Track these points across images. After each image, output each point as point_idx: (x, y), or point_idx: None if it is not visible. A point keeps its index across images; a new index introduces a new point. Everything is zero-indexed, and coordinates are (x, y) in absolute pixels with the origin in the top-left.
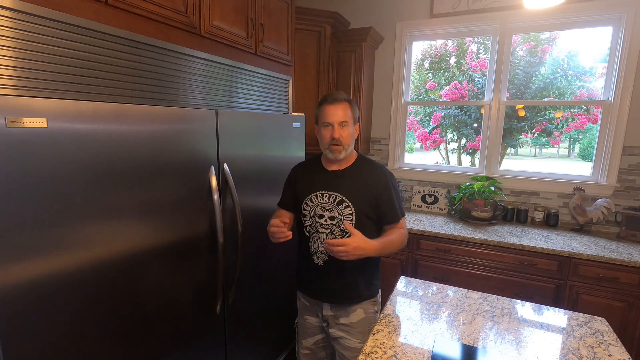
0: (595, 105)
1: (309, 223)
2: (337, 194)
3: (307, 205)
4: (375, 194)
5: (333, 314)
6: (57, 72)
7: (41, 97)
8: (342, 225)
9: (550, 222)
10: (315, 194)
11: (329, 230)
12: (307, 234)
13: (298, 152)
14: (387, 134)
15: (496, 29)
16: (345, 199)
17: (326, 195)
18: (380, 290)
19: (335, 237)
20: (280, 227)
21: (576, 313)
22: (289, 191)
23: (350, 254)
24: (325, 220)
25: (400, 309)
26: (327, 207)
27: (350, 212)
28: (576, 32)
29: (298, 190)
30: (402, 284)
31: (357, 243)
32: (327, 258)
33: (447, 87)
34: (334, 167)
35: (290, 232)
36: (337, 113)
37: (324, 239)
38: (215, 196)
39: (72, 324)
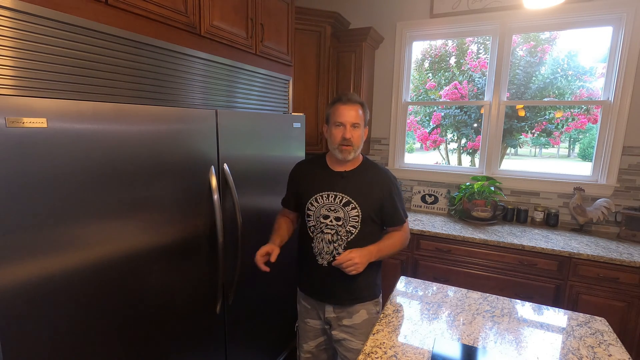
0: (595, 105)
1: (313, 223)
2: (343, 195)
3: (312, 205)
4: (380, 197)
5: (336, 316)
6: (57, 72)
7: (41, 97)
8: (348, 227)
9: (550, 222)
10: (320, 194)
11: (334, 231)
12: (310, 234)
13: (298, 152)
14: (387, 134)
15: (496, 29)
16: (352, 201)
17: (332, 196)
18: (381, 290)
19: (340, 238)
20: (263, 259)
21: (576, 313)
22: (292, 190)
23: (359, 264)
24: (331, 221)
25: (400, 309)
26: (332, 208)
27: (357, 213)
28: (576, 32)
29: (302, 190)
30: (402, 284)
31: (359, 252)
32: (331, 259)
33: (447, 87)
34: (339, 168)
35: (267, 268)
36: (351, 114)
37: (329, 240)
38: (215, 196)
39: (72, 323)
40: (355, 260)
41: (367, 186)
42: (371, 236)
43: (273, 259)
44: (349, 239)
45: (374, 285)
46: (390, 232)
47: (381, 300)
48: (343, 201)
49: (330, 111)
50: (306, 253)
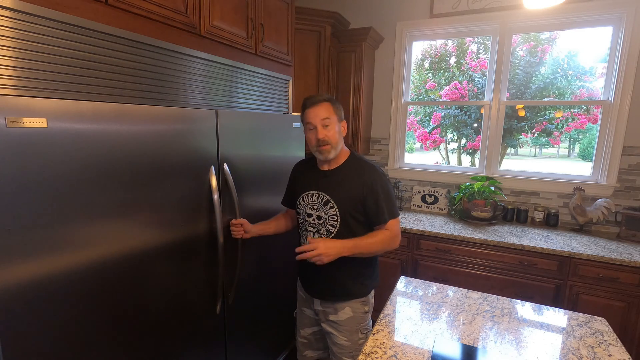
0: (595, 105)
1: (301, 221)
2: (324, 194)
3: (300, 204)
4: (361, 195)
5: (323, 310)
6: (57, 72)
7: (41, 97)
8: (327, 225)
9: (550, 222)
10: (306, 193)
11: (315, 229)
12: (299, 231)
13: (298, 152)
14: (387, 134)
15: (496, 29)
16: (331, 200)
17: (315, 195)
18: (373, 290)
19: (321, 236)
20: (236, 226)
21: (576, 313)
22: (289, 189)
23: (324, 254)
24: (313, 220)
25: (400, 309)
26: (315, 207)
27: (335, 212)
28: (576, 32)
29: (295, 189)
30: (402, 284)
31: (326, 243)
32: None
33: (447, 87)
34: (324, 167)
35: (242, 232)
36: (318, 113)
37: (312, 237)
38: (215, 196)
39: (71, 324)
40: (319, 251)
41: (347, 184)
42: (353, 235)
43: (247, 235)
44: (328, 237)
45: (361, 285)
46: (375, 230)
47: (371, 300)
48: (323, 200)
49: (302, 117)
50: None
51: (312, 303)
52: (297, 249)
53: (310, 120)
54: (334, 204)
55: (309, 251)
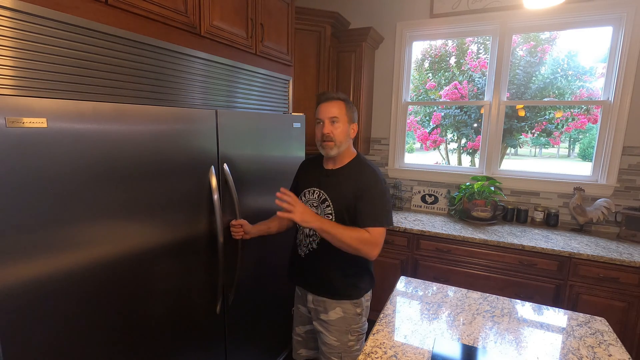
0: (595, 105)
1: None
2: (322, 192)
3: (301, 199)
4: (355, 197)
5: (314, 307)
6: (57, 72)
7: (41, 97)
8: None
9: (550, 222)
10: (308, 189)
11: None
12: (296, 226)
13: (298, 152)
14: (387, 134)
15: (496, 29)
16: (328, 199)
17: (316, 192)
18: (369, 293)
19: (315, 233)
20: (236, 227)
21: (576, 313)
22: (293, 186)
23: (299, 212)
24: None
25: (400, 309)
26: (314, 204)
27: (330, 211)
28: (576, 32)
29: (299, 185)
30: (402, 284)
31: (305, 208)
32: (308, 251)
33: (447, 87)
34: (329, 166)
35: (242, 233)
36: (329, 110)
37: (307, 234)
38: (215, 196)
39: (72, 324)
40: (296, 209)
41: (345, 185)
42: None
43: (247, 236)
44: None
45: (354, 287)
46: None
47: (366, 303)
48: (321, 198)
49: (315, 113)
50: (292, 242)
51: (305, 300)
52: (278, 194)
53: (319, 115)
54: (330, 203)
55: (288, 204)
